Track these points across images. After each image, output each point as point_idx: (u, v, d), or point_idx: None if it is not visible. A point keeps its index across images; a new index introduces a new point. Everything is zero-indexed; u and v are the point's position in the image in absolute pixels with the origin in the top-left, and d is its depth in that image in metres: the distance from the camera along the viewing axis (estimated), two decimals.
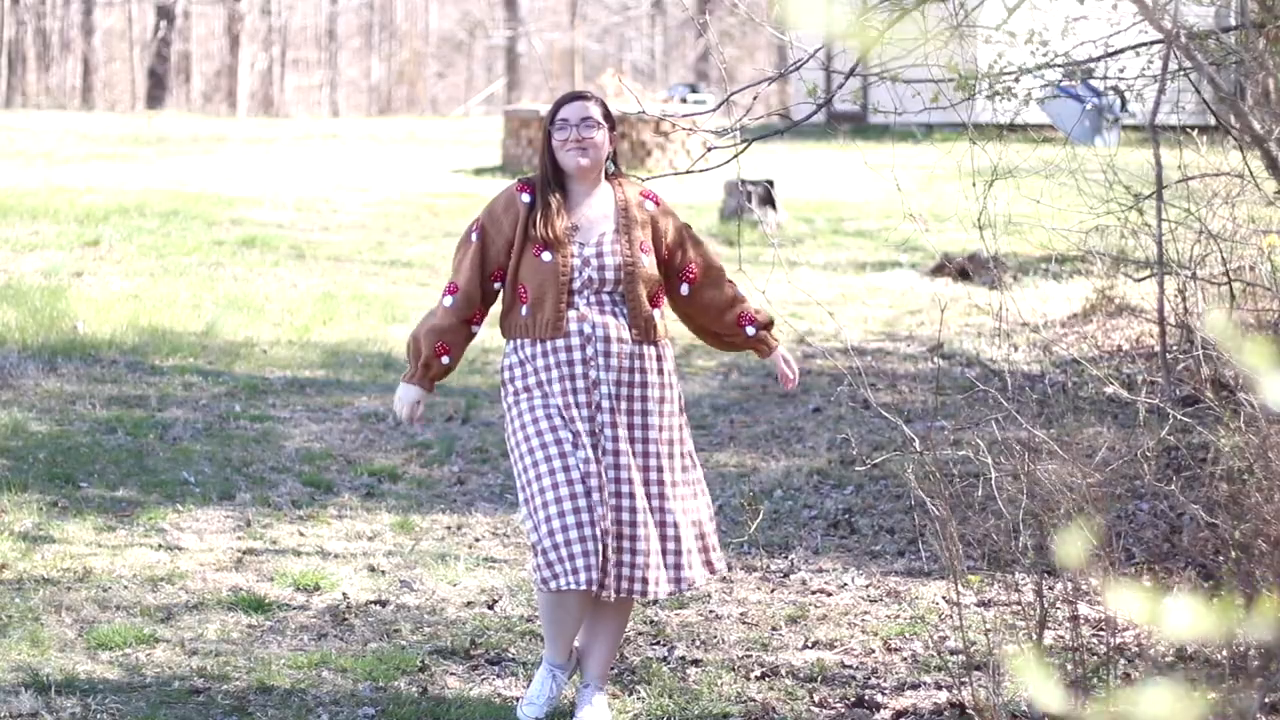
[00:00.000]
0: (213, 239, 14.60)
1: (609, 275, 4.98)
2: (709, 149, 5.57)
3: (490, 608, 6.10)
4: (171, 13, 45.77)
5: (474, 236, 5.08)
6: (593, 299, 4.98)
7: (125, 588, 6.17)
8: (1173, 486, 5.14)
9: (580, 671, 5.16)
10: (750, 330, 5.19)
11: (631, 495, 4.90)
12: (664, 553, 4.95)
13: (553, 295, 4.96)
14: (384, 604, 6.10)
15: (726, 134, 5.55)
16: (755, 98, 5.48)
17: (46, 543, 6.63)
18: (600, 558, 4.85)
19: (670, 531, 4.96)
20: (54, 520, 6.90)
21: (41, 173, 19.13)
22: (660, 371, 5.03)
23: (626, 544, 4.90)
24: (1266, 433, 4.58)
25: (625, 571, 4.92)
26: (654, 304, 5.07)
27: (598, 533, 4.84)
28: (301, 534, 6.96)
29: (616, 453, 4.92)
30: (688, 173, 5.60)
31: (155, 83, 45.10)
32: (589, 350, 4.94)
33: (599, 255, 4.99)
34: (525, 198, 5.05)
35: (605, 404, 4.93)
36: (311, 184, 19.01)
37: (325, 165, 21.84)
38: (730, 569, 6.57)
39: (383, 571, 6.47)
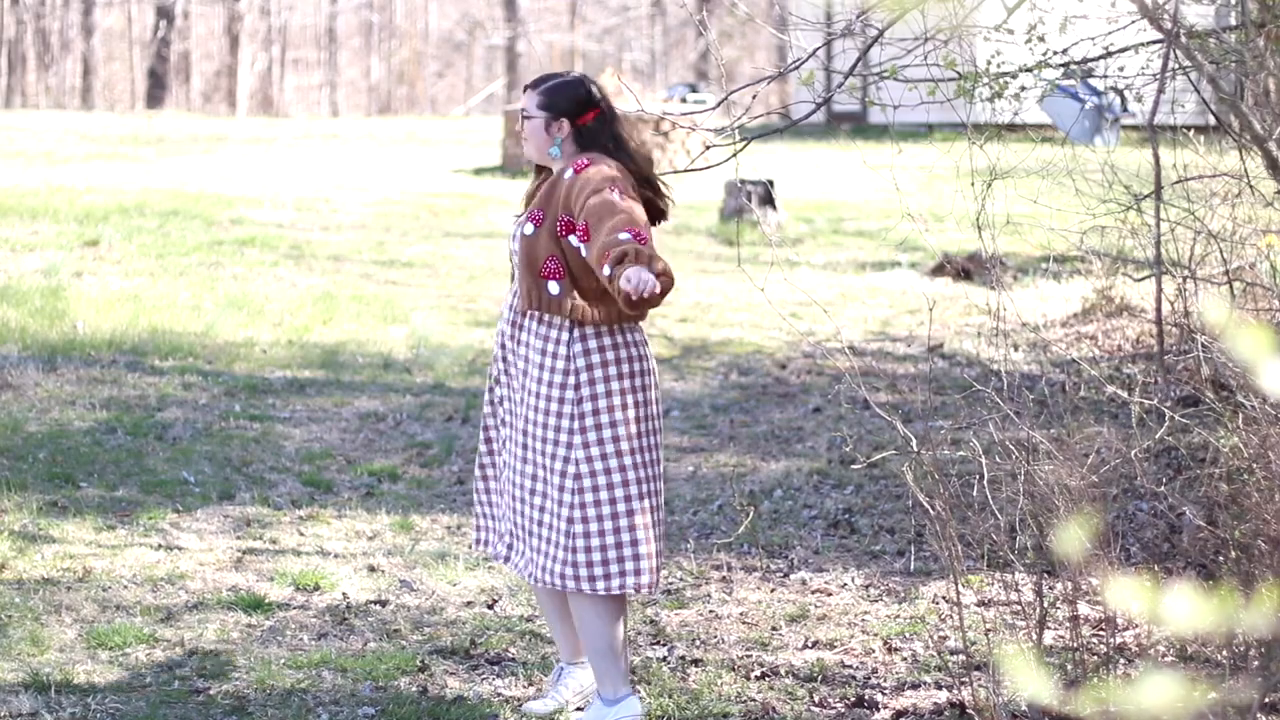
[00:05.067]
0: (212, 239, 14.59)
1: None
2: (708, 148, 5.57)
3: (490, 608, 6.10)
4: (171, 13, 45.77)
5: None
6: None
7: (125, 588, 6.17)
8: (1168, 487, 5.14)
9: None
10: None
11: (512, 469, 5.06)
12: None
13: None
14: (384, 604, 6.10)
15: (725, 132, 5.54)
16: (754, 97, 5.48)
17: (46, 542, 6.63)
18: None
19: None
20: (53, 520, 6.90)
21: (41, 173, 19.12)
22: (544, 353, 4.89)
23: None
24: (1266, 433, 4.58)
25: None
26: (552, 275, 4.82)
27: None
28: (301, 534, 6.96)
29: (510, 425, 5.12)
30: (687, 171, 5.61)
31: (155, 83, 45.10)
32: None
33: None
34: None
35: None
36: (311, 184, 19.00)
37: (325, 165, 21.83)
38: (730, 569, 6.57)
39: (383, 571, 6.48)
